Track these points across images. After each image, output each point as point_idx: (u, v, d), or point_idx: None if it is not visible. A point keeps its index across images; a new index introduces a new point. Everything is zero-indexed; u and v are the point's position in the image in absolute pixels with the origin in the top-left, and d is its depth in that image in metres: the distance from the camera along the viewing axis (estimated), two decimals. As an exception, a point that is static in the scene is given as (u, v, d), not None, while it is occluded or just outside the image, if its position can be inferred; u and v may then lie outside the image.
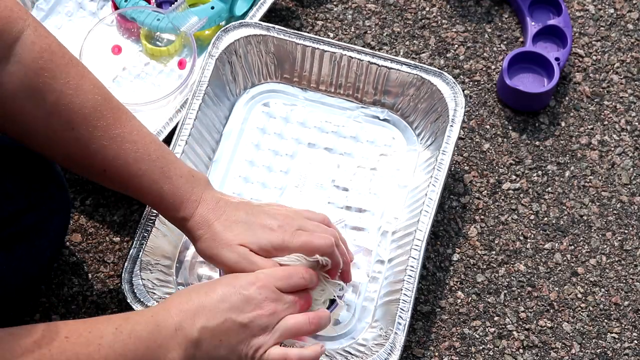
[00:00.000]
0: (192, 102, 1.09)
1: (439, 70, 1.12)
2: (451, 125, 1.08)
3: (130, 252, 1.01)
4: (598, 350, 1.07)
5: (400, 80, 1.13)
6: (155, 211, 1.02)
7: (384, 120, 1.16)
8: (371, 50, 1.14)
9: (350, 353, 0.99)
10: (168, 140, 1.09)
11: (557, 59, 1.21)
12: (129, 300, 0.98)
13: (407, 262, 1.01)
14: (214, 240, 0.92)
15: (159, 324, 0.84)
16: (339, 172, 1.13)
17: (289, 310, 0.89)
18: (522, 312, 1.09)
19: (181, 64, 1.19)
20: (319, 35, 1.26)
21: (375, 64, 1.13)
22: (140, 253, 1.00)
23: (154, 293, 0.99)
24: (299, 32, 1.14)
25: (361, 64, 1.13)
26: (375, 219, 1.10)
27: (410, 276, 1.00)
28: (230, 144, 1.14)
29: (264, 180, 1.12)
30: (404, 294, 0.99)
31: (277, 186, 1.12)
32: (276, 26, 1.14)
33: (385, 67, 1.13)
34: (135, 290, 0.98)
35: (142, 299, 0.98)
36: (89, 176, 0.99)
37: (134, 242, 1.01)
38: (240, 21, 1.15)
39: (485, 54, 1.26)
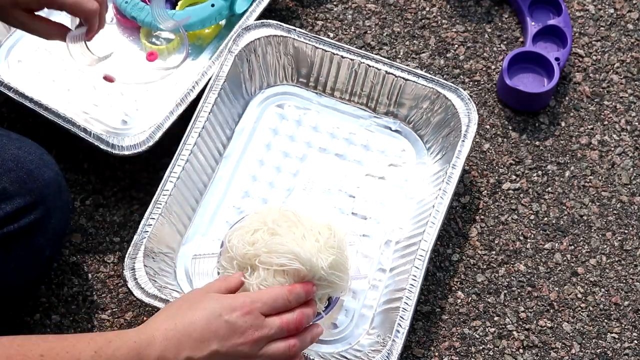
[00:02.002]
0: (209, 95, 1.10)
1: (455, 86, 1.11)
2: (463, 140, 1.08)
3: (135, 238, 1.00)
4: (598, 350, 1.07)
5: (415, 93, 1.13)
6: (162, 200, 1.02)
7: (396, 131, 1.16)
8: (389, 60, 1.13)
9: (346, 357, 0.99)
10: (176, 133, 1.09)
11: (557, 59, 1.21)
12: (129, 286, 0.98)
13: (410, 272, 1.00)
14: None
15: (141, 353, 0.82)
16: (347, 178, 1.13)
17: (275, 335, 0.87)
18: (522, 312, 1.09)
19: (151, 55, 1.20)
20: (319, 35, 1.26)
21: (392, 74, 1.12)
22: (145, 240, 1.00)
23: (155, 281, 0.99)
24: (319, 37, 1.14)
25: (378, 73, 1.13)
26: (379, 228, 1.10)
27: (413, 285, 1.00)
28: (241, 142, 1.14)
29: (272, 180, 1.12)
30: (405, 302, 0.99)
31: (284, 187, 1.12)
32: (297, 29, 1.14)
33: (402, 78, 1.12)
34: (137, 276, 0.98)
35: (143, 286, 0.98)
36: None
37: (139, 229, 1.01)
38: (262, 20, 1.15)
39: (485, 54, 1.26)
